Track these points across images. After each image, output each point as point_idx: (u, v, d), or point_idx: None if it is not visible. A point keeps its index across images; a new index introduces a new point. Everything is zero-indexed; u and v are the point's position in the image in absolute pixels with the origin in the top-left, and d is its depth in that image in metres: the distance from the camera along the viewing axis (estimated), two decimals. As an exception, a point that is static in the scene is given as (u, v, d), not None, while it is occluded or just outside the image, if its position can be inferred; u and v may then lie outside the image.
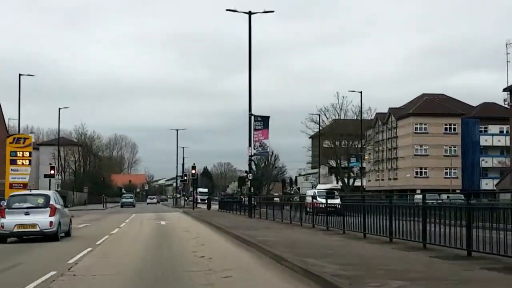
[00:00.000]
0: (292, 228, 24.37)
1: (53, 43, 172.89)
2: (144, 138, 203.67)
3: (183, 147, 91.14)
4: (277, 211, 30.97)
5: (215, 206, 59.82)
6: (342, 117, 73.11)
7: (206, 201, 66.15)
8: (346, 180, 73.70)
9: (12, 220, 19.78)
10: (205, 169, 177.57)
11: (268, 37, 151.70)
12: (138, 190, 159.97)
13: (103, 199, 79.29)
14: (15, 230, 19.84)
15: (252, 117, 34.67)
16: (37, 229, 19.83)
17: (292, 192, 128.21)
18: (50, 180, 60.68)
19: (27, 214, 20.01)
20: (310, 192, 38.93)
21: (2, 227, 19.77)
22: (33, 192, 24.43)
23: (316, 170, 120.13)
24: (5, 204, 20.85)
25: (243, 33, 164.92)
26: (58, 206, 20.75)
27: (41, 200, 20.56)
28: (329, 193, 32.20)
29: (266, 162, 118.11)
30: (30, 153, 43.82)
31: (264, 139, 34.58)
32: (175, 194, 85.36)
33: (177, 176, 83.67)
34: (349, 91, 61.40)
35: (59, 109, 67.63)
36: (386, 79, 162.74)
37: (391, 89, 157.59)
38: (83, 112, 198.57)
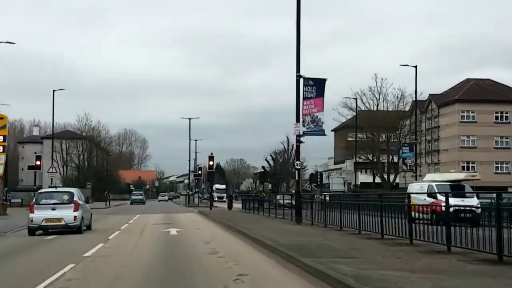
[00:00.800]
0: (411, 251, 13.51)
1: (64, 42, 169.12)
2: (155, 136, 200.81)
3: (196, 140, 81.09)
4: (335, 213, 20.81)
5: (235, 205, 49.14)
6: (381, 101, 62.11)
7: (225, 199, 56.24)
8: (385, 176, 62.72)
9: (40, 215, 21.47)
10: (218, 165, 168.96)
11: (281, 35, 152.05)
12: (148, 186, 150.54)
13: (106, 196, 69.05)
14: (43, 224, 21.52)
15: (301, 80, 23.85)
16: (63, 223, 21.57)
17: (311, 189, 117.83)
18: (52, 178, 57.05)
19: (53, 209, 21.70)
20: (417, 187, 25.59)
21: (32, 221, 21.54)
22: (59, 189, 26.05)
23: (340, 165, 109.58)
24: (34, 200, 22.37)
25: (253, 31, 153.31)
26: (81, 202, 22.50)
27: (66, 197, 22.21)
28: (456, 188, 20.99)
29: (286, 156, 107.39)
30: (4, 137, 33.82)
31: (318, 112, 23.81)
32: (187, 190, 75.08)
33: (190, 170, 73.48)
34: (400, 65, 50.29)
35: (54, 91, 57.26)
36: (403, 75, 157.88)
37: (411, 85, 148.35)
38: (93, 110, 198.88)
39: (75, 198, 22.10)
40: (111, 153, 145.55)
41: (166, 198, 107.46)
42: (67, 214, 21.54)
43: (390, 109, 62.34)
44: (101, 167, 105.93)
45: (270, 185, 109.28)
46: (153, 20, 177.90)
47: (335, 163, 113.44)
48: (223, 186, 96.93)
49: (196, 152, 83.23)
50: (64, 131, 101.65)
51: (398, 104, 61.48)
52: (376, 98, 61.64)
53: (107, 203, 69.10)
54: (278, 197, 36.55)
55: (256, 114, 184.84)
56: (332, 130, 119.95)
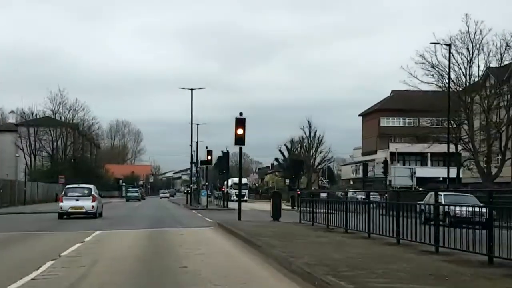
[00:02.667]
0: None
1: (66, 36, 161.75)
2: (151, 132, 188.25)
3: (197, 124, 60.79)
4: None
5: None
6: (476, 54, 41.64)
7: (247, 198, 36.49)
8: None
9: (67, 204, 28.44)
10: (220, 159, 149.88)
11: (283, 29, 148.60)
12: (141, 182, 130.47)
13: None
14: (69, 210, 28.31)
15: None
16: (83, 210, 28.35)
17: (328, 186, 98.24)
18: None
19: (77, 200, 28.58)
20: None
21: (61, 208, 28.53)
22: (81, 185, 32.40)
23: (372, 157, 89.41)
24: (63, 193, 29.90)
25: (255, 26, 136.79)
26: (96, 196, 29.50)
27: (86, 191, 29.23)
28: None
29: (306, 144, 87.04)
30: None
31: None
32: (190, 186, 54.58)
33: (192, 159, 53.16)
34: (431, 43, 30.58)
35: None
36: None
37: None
38: (91, 104, 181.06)
39: (93, 192, 29.20)
40: (100, 146, 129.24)
41: (167, 195, 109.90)
42: (87, 204, 28.38)
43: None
44: (84, 159, 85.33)
45: (288, 180, 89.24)
46: (153, 15, 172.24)
47: (363, 154, 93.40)
48: (244, 180, 75.96)
49: (197, 142, 63.26)
50: (44, 117, 79.51)
51: (502, 58, 41.07)
52: (471, 46, 41.10)
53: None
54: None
55: (257, 109, 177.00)
56: (359, 115, 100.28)
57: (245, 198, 69.67)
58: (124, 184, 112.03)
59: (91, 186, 30.63)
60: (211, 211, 36.95)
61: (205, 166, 43.73)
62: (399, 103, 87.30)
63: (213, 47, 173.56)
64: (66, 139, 77.21)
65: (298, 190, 48.33)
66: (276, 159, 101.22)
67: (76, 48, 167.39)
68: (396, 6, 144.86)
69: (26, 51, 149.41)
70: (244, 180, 73.73)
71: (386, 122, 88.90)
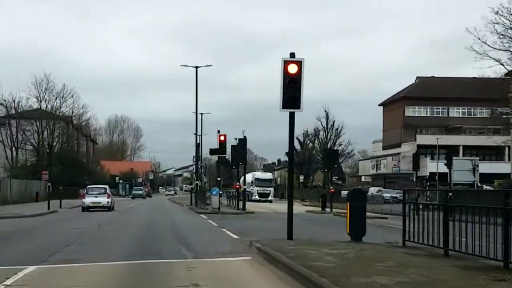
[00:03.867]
0: None
1: (63, 34, 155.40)
2: (151, 131, 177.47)
3: (201, 114, 50.96)
4: None
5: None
6: None
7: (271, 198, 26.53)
8: None
9: (88, 200, 35.74)
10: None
11: (279, 28, 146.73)
12: (140, 180, 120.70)
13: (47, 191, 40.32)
14: (90, 205, 35.26)
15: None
16: (101, 205, 35.38)
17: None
18: None
19: (96, 197, 36.17)
20: None
21: (84, 203, 35.67)
22: (99, 186, 40.85)
23: (394, 150, 79.47)
24: (85, 191, 37.64)
25: (250, 25, 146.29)
26: (110, 194, 37.56)
27: (103, 190, 37.32)
28: None
29: (327, 135, 76.82)
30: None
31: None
32: (195, 182, 44.38)
33: (197, 147, 43.08)
34: None
35: None
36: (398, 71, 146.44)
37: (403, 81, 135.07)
38: (90, 103, 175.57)
39: (108, 191, 37.27)
40: (97, 142, 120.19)
41: (172, 192, 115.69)
42: (104, 200, 35.76)
43: None
44: (72, 153, 75.31)
45: (302, 177, 79.36)
46: (150, 13, 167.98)
47: (385, 148, 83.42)
48: (268, 175, 64.73)
49: (201, 134, 53.33)
50: (38, 109, 68.56)
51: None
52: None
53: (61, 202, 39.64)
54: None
55: (254, 107, 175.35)
56: (379, 105, 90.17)
57: (270, 198, 58.32)
58: (121, 181, 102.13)
59: (106, 186, 40.27)
60: (226, 216, 27.07)
61: (217, 155, 33.29)
62: (425, 90, 77.74)
63: (211, 46, 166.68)
64: (53, 130, 67.23)
65: (331, 188, 38.36)
66: (286, 154, 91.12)
67: (73, 47, 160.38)
68: (396, 6, 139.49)
69: (23, 51, 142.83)
70: (269, 175, 62.78)
71: (411, 111, 78.80)
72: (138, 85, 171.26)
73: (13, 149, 64.56)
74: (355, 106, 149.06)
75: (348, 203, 13.29)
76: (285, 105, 12.96)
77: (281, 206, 44.46)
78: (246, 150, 31.92)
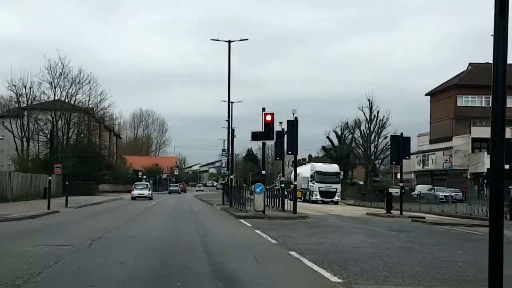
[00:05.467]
0: None
1: (83, 31, 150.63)
2: (177, 128, 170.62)
3: (232, 102, 43.01)
4: None
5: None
6: None
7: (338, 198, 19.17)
8: None
9: (136, 192, 50.87)
10: (249, 151, 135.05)
11: (299, 24, 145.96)
12: (165, 175, 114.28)
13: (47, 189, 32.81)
14: (137, 195, 50.14)
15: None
16: (145, 195, 50.22)
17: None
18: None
19: (141, 190, 51.45)
20: None
21: (133, 194, 50.91)
22: (143, 182, 60.77)
23: (443, 144, 70.85)
24: (134, 185, 53.51)
25: (272, 20, 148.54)
26: (150, 187, 54.69)
27: (146, 185, 54.37)
28: None
29: (371, 126, 68.32)
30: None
31: None
32: (227, 178, 36.73)
33: (229, 134, 35.13)
34: None
35: None
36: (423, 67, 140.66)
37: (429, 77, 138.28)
38: (112, 97, 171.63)
39: (149, 186, 54.00)
40: (121, 136, 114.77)
41: (202, 188, 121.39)
42: (146, 192, 51.01)
43: None
44: (92, 146, 68.00)
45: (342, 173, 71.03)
46: (176, 8, 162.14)
47: (432, 142, 74.74)
48: (335, 168, 50.06)
49: (231, 123, 45.33)
50: (57, 100, 60.61)
51: None
52: None
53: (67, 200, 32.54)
54: None
55: (278, 104, 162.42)
56: (426, 94, 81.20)
57: (336, 198, 46.23)
58: (144, 176, 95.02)
59: (147, 182, 59.28)
60: (277, 224, 19.20)
61: (261, 141, 24.77)
62: (479, 78, 68.72)
63: (235, 42, 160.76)
64: (70, 119, 59.91)
65: (401, 184, 30.25)
66: (323, 148, 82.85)
67: (93, 43, 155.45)
68: (415, 1, 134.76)
69: (49, 51, 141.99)
70: (335, 168, 49.98)
71: (464, 101, 69.98)
72: (163, 82, 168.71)
73: (24, 139, 57.46)
74: (393, 99, 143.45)
75: None
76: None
77: (335, 208, 36.46)
78: (297, 136, 23.85)
